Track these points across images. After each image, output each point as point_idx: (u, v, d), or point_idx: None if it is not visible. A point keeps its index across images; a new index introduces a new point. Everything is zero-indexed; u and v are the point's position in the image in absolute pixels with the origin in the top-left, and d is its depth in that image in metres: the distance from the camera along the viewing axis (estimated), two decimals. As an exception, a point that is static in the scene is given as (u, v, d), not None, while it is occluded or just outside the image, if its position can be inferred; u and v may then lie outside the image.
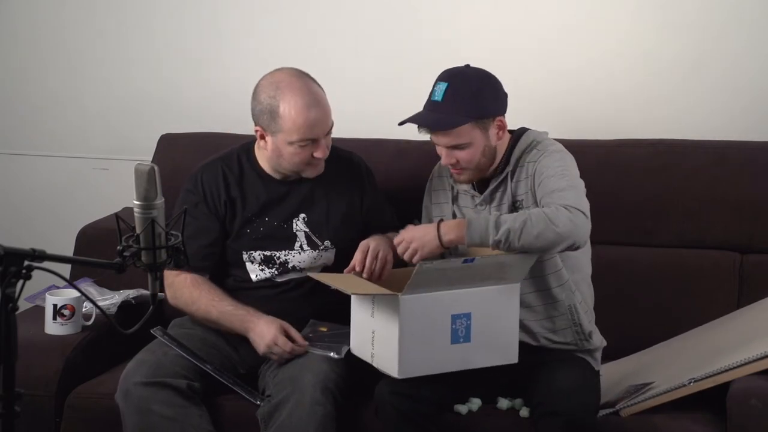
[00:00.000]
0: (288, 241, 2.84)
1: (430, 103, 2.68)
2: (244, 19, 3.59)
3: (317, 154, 2.75)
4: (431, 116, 2.67)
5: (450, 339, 2.51)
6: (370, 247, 2.71)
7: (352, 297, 2.61)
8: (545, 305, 2.69)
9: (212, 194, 2.84)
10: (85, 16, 3.74)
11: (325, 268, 2.83)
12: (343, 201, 2.87)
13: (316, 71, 3.52)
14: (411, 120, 2.68)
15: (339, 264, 2.81)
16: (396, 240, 2.63)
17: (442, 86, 2.66)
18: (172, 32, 3.67)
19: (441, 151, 2.71)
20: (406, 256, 2.60)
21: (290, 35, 3.55)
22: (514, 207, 2.68)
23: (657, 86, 3.32)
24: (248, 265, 2.84)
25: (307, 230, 2.84)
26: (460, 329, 2.52)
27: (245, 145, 2.91)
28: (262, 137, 2.79)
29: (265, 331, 2.71)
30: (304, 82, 2.76)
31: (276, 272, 2.83)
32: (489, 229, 2.50)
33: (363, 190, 2.92)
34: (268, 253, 2.83)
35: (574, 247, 2.53)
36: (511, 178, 2.70)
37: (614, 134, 3.20)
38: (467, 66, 2.71)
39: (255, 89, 2.79)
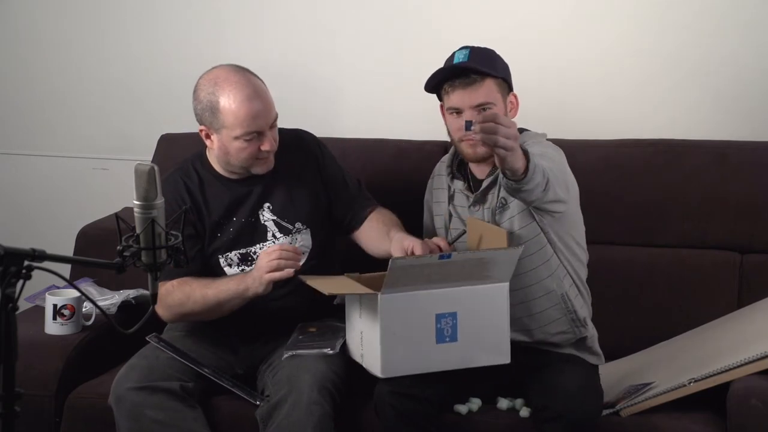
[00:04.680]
0: (259, 234, 2.80)
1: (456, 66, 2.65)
2: (245, 19, 3.59)
3: (264, 147, 2.71)
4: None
5: (435, 338, 2.50)
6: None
7: (347, 301, 2.62)
8: (538, 299, 2.67)
9: (178, 203, 2.74)
10: (85, 16, 3.74)
11: (307, 254, 2.77)
12: (303, 180, 2.83)
13: (317, 71, 3.56)
14: (443, 69, 2.64)
15: (318, 247, 2.79)
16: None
17: (465, 51, 2.66)
18: (173, 32, 3.67)
19: (462, 120, 2.60)
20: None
21: (292, 36, 3.55)
22: (502, 208, 2.64)
23: (657, 86, 3.31)
24: (227, 269, 2.81)
25: (275, 218, 2.81)
26: (446, 329, 2.50)
27: (197, 153, 2.88)
28: (208, 136, 2.76)
29: (258, 262, 2.65)
30: (242, 75, 2.73)
31: None
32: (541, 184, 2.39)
33: (318, 164, 2.87)
34: (243, 251, 2.81)
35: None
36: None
37: (614, 134, 3.19)
38: None
39: (195, 89, 2.77)
